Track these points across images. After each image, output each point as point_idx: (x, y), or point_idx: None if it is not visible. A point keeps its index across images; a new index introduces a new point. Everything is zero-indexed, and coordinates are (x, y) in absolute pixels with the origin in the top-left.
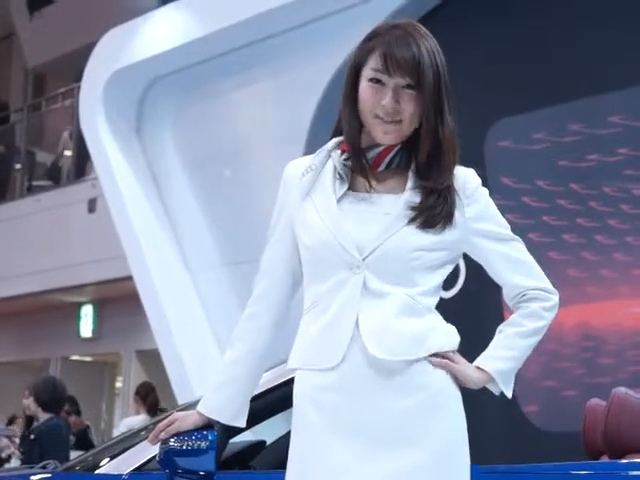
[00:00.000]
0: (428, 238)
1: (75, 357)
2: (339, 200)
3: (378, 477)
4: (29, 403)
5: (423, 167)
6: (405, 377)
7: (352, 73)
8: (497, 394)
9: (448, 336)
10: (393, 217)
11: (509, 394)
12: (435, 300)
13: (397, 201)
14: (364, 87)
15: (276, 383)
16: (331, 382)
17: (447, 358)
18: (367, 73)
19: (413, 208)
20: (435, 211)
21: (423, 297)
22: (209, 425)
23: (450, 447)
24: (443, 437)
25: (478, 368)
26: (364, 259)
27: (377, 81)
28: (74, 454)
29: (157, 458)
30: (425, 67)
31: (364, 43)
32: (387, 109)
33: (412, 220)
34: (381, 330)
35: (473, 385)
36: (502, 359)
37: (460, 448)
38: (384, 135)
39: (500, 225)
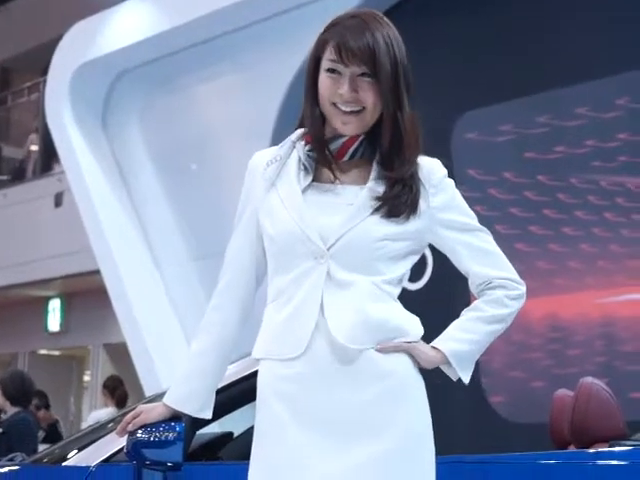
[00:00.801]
0: (392, 228)
1: (43, 351)
2: (304, 191)
3: (343, 468)
4: None
5: (386, 157)
6: (368, 366)
7: (312, 65)
8: (454, 380)
9: (413, 325)
10: (357, 207)
11: (466, 380)
12: (398, 291)
13: (361, 192)
14: (322, 78)
15: (242, 375)
16: (294, 372)
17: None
18: (325, 64)
19: (377, 198)
20: (399, 200)
21: (387, 285)
22: (175, 417)
23: (415, 435)
24: (408, 425)
25: (434, 348)
26: (328, 249)
27: (334, 71)
28: (43, 448)
29: (125, 450)
30: (381, 55)
31: (322, 34)
32: (345, 98)
33: (376, 210)
34: (347, 317)
35: (427, 364)
36: (459, 340)
37: (425, 436)
38: (343, 125)
39: (466, 215)
